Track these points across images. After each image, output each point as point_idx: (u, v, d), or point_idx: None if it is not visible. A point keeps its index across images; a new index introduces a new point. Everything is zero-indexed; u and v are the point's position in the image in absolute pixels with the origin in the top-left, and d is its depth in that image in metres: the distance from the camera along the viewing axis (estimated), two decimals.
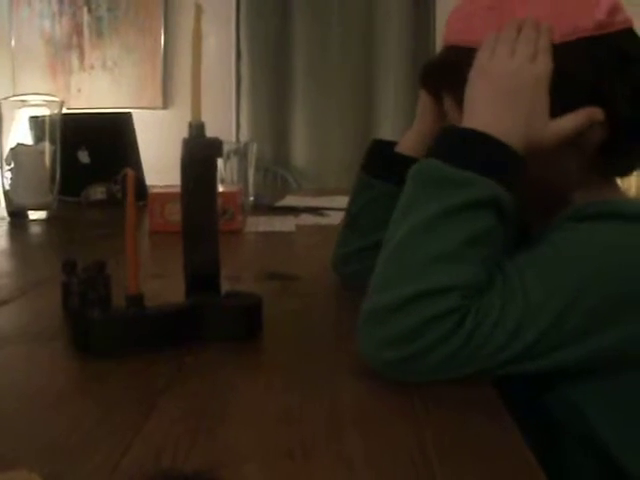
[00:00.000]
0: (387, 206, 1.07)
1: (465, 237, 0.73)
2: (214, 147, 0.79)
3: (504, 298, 0.72)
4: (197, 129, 0.78)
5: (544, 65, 0.83)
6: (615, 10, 0.87)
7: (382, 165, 1.10)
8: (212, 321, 0.82)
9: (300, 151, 3.75)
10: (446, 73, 0.95)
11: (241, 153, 2.07)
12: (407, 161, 1.04)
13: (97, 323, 0.77)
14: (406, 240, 0.75)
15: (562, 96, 0.84)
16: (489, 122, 0.79)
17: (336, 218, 1.86)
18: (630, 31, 0.89)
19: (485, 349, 0.70)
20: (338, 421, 0.64)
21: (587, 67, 0.86)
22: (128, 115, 2.16)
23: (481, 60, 0.85)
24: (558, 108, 0.83)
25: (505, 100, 0.82)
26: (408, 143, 1.08)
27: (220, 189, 1.79)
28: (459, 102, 0.88)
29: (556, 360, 0.73)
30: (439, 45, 3.49)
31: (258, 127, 3.78)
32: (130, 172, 0.73)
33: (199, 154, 0.78)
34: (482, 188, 0.75)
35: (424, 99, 1.06)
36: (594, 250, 0.77)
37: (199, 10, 0.75)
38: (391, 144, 1.11)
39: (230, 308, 0.83)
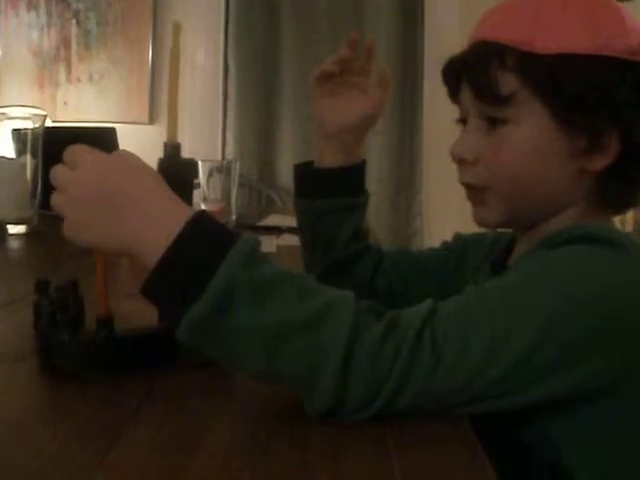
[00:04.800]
0: (332, 222, 1.10)
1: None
2: (188, 168, 0.77)
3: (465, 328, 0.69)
4: (172, 149, 0.76)
5: None
6: None
7: (310, 186, 1.13)
8: (183, 345, 0.80)
9: (286, 170, 3.74)
10: (470, 66, 0.93)
11: (225, 171, 2.05)
12: (331, 173, 1.10)
13: (64, 345, 0.75)
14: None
15: (592, 106, 0.86)
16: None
17: None
18: None
19: (446, 387, 0.68)
20: (308, 453, 0.62)
21: (619, 87, 0.87)
22: (112, 130, 2.15)
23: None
24: (584, 117, 0.86)
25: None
26: (324, 156, 1.12)
27: (203, 208, 1.78)
28: (478, 96, 0.91)
29: (530, 395, 0.71)
30: (427, 59, 3.48)
31: (244, 145, 3.78)
32: None
33: (173, 174, 0.76)
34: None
35: (317, 104, 1.10)
36: (562, 280, 0.75)
37: (177, 29, 0.74)
38: (311, 163, 1.14)
39: None
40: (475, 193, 0.96)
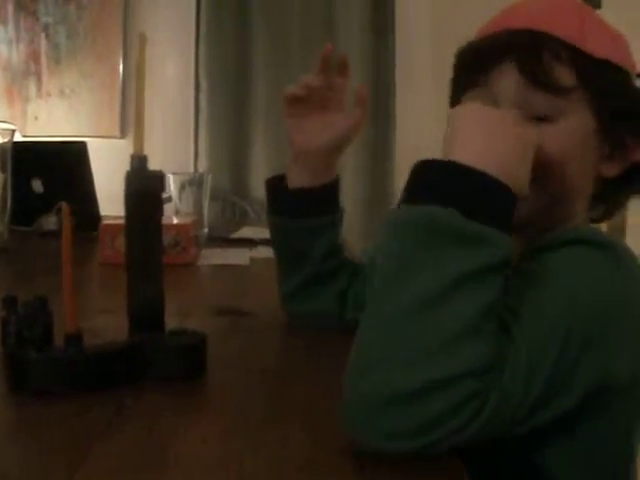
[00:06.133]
0: (304, 238, 1.07)
1: (481, 308, 0.64)
2: (155, 180, 0.76)
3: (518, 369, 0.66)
4: (139, 161, 0.75)
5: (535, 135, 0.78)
6: None
7: (281, 203, 1.09)
8: (153, 361, 0.79)
9: (259, 182, 3.72)
10: (522, 52, 0.86)
11: (196, 184, 2.04)
12: (301, 193, 1.05)
13: (31, 363, 0.74)
14: (411, 313, 0.64)
15: (630, 116, 0.88)
16: (485, 157, 0.70)
17: None
18: None
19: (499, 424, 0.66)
20: (282, 473, 0.61)
21: None
22: (82, 144, 2.13)
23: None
24: (622, 124, 0.88)
25: (497, 140, 0.73)
26: (291, 176, 1.07)
27: (174, 221, 1.76)
28: (534, 84, 0.85)
29: (553, 410, 0.70)
30: (399, 78, 3.48)
31: (217, 157, 3.76)
32: (65, 206, 0.70)
33: (140, 187, 0.76)
34: (501, 247, 0.66)
35: (287, 124, 1.07)
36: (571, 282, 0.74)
37: (143, 41, 0.72)
38: (283, 177, 1.09)
39: (171, 348, 0.80)
40: None
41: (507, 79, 0.87)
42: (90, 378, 0.76)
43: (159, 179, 0.77)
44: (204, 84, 3.78)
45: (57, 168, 2.13)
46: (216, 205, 3.43)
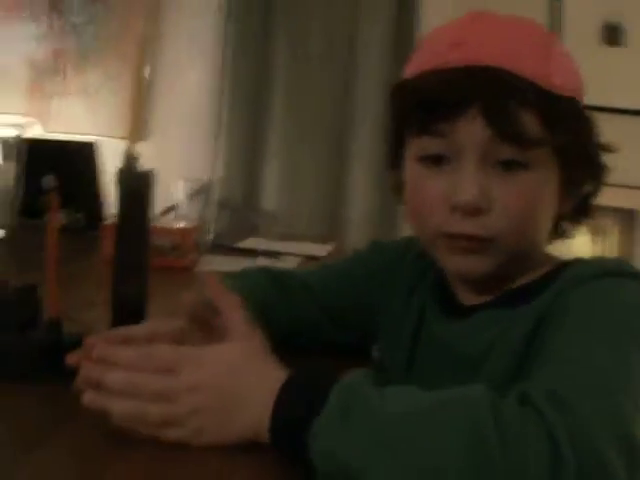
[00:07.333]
0: None
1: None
2: (144, 179, 0.79)
3: None
4: (129, 160, 0.78)
5: None
6: None
7: None
8: None
9: (271, 194, 3.76)
10: (486, 99, 0.80)
11: (204, 191, 2.07)
12: None
13: (8, 346, 0.76)
14: None
15: (591, 157, 0.87)
16: None
17: (292, 263, 1.87)
18: None
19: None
20: None
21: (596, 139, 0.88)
22: (90, 145, 2.19)
23: None
24: (583, 166, 0.86)
25: None
26: None
27: (176, 225, 1.79)
28: (502, 137, 0.79)
29: None
30: None
31: (232, 167, 3.79)
32: (53, 195, 0.73)
33: (129, 185, 0.78)
34: None
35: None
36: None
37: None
38: None
39: None
40: (477, 244, 0.84)
41: (473, 129, 0.81)
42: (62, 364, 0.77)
43: (149, 178, 0.79)
44: (227, 97, 3.81)
45: (68, 166, 2.17)
46: (226, 214, 3.46)
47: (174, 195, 2.07)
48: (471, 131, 0.81)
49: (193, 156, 3.67)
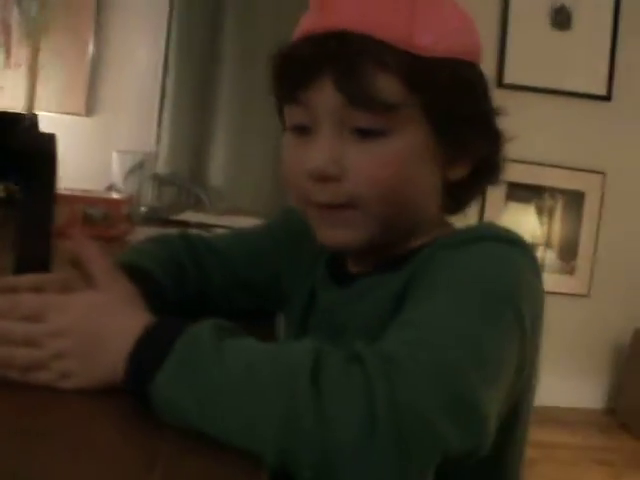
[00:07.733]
0: None
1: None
2: (47, 141, 0.80)
3: None
4: (30, 121, 0.80)
5: None
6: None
7: None
8: None
9: (218, 170, 3.76)
10: (339, 65, 0.79)
11: (141, 165, 2.09)
12: None
13: None
14: None
15: (469, 117, 0.84)
16: None
17: None
18: None
19: None
20: None
21: (486, 98, 0.87)
22: (33, 116, 2.16)
23: None
24: (461, 127, 0.83)
25: None
26: None
27: (114, 196, 1.81)
28: (354, 103, 0.78)
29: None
30: None
31: (178, 143, 3.79)
32: None
33: (32, 147, 0.80)
34: None
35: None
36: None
37: None
38: None
39: None
40: (335, 213, 0.85)
41: (325, 97, 0.81)
42: None
43: (51, 140, 0.81)
44: (172, 71, 3.80)
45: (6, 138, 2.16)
46: (172, 190, 3.46)
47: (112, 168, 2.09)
48: (322, 98, 0.81)
49: (140, 131, 3.67)
